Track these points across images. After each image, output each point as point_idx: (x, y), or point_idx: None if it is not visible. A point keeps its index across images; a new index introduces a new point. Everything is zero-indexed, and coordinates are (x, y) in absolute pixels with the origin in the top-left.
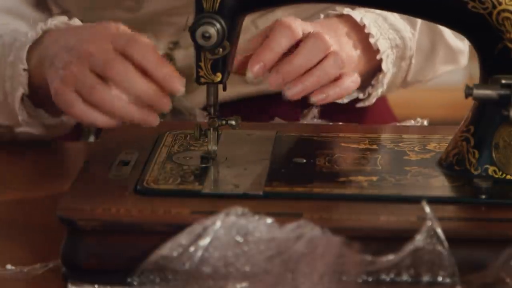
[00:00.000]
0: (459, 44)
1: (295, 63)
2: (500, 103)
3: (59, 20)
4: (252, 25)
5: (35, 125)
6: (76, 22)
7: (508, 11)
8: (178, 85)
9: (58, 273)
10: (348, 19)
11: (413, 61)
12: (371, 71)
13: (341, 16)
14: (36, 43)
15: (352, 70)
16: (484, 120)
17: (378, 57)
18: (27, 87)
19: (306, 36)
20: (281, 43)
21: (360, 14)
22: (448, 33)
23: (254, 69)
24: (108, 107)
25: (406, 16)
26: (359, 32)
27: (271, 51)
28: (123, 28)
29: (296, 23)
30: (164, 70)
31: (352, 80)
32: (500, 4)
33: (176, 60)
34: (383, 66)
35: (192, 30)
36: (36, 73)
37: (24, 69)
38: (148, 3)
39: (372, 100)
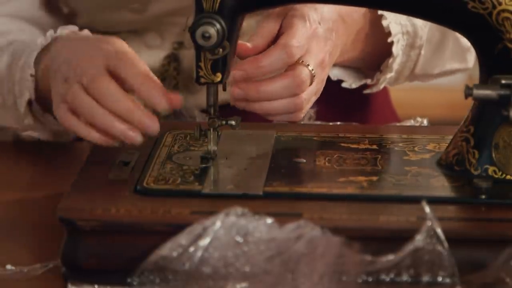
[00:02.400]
0: (468, 41)
1: (256, 67)
2: (500, 103)
3: (68, 29)
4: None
5: (41, 130)
6: (85, 32)
7: (508, 11)
8: (160, 100)
9: (58, 273)
10: None
11: (423, 51)
12: (380, 55)
13: None
14: (45, 49)
15: (360, 48)
16: (484, 120)
17: (389, 39)
18: (33, 92)
19: (277, 43)
20: (273, 65)
21: None
22: None
23: (236, 75)
24: (95, 121)
25: None
26: (372, 12)
27: (259, 69)
28: (119, 44)
29: (301, 44)
30: (148, 86)
31: (308, 94)
32: (500, 4)
33: (181, 61)
34: (394, 49)
35: (192, 30)
36: (43, 80)
37: (31, 75)
38: (153, 5)
39: (380, 86)
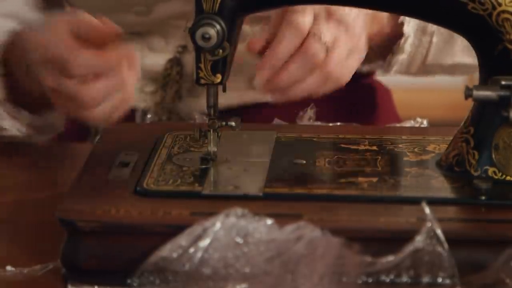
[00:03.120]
0: None
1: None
2: (500, 104)
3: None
4: None
5: (19, 127)
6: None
7: (507, 12)
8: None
9: (58, 274)
10: None
11: (434, 39)
12: (392, 37)
13: None
14: (9, 45)
15: (378, 27)
16: (484, 121)
17: (400, 20)
18: (3, 91)
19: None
20: (289, 46)
21: None
22: None
23: (263, 75)
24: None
25: None
26: None
27: (278, 58)
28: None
29: (303, 18)
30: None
31: (335, 60)
32: (500, 5)
33: (184, 65)
34: (405, 28)
35: (192, 31)
36: (15, 74)
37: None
38: (158, 7)
39: (391, 69)
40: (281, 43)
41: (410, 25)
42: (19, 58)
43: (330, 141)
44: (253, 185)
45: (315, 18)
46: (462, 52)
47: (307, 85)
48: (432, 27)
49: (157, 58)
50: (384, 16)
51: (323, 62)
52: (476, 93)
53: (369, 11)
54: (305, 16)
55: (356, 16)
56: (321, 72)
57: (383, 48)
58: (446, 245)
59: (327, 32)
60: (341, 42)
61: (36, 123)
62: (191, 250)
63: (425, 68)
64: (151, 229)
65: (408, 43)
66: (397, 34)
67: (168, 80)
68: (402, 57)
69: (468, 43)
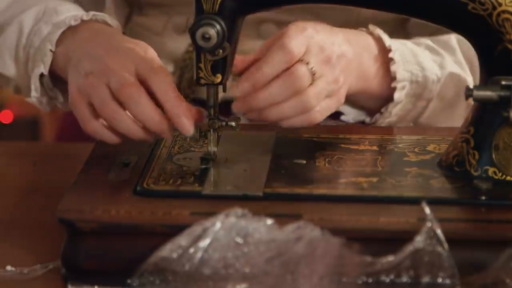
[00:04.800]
0: None
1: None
2: (500, 104)
3: (100, 16)
4: None
5: (44, 105)
6: (114, 23)
7: (508, 12)
8: (188, 127)
9: (58, 274)
10: (378, 40)
11: (431, 105)
12: (385, 97)
13: (371, 34)
14: (71, 30)
15: (363, 85)
16: (484, 121)
17: (393, 84)
18: (48, 67)
19: (273, 46)
20: (275, 67)
21: (390, 40)
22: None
23: (243, 87)
24: (115, 125)
25: (437, 61)
26: (385, 55)
27: (262, 75)
28: (151, 53)
29: (296, 45)
30: (179, 109)
31: (315, 93)
32: (500, 5)
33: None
34: (395, 95)
35: (192, 31)
36: (58, 62)
37: (51, 50)
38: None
39: (376, 125)
40: (269, 62)
41: (403, 91)
42: (71, 54)
43: (330, 141)
44: (253, 185)
45: (308, 50)
46: (462, 116)
47: (282, 110)
48: (430, 93)
49: (180, 41)
50: (371, 76)
51: (304, 90)
52: (476, 93)
53: (360, 64)
54: (298, 44)
55: (345, 65)
56: (299, 100)
57: (374, 108)
58: (446, 245)
59: (316, 65)
60: (325, 80)
61: (60, 105)
62: (191, 250)
63: (415, 124)
64: (151, 229)
65: (397, 108)
66: (388, 97)
67: (188, 63)
68: (389, 120)
69: (469, 107)
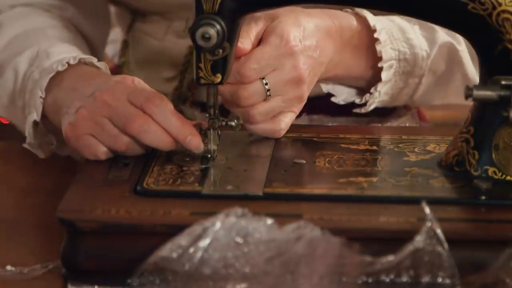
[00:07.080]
0: (477, 77)
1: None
2: (500, 104)
3: (88, 59)
4: None
5: (40, 149)
6: (101, 65)
7: (508, 12)
8: (198, 144)
9: (58, 274)
10: (363, 21)
11: (423, 81)
12: (374, 77)
13: (356, 14)
14: (58, 76)
15: (343, 73)
16: (484, 121)
17: (379, 64)
18: (40, 113)
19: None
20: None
21: (376, 19)
22: (468, 65)
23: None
24: (126, 150)
25: (427, 37)
26: (370, 35)
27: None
28: (139, 83)
29: (259, 61)
30: (185, 132)
31: (258, 112)
32: (500, 5)
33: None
34: (383, 75)
35: (192, 31)
36: (49, 111)
37: (41, 97)
38: None
39: (369, 108)
40: (225, 85)
41: (390, 71)
42: (60, 103)
43: (330, 141)
44: (253, 184)
45: (276, 69)
46: (456, 94)
47: (239, 112)
48: (421, 70)
49: (180, 44)
50: (353, 61)
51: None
52: (476, 93)
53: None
54: (259, 64)
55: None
56: (245, 111)
57: (366, 88)
58: (446, 245)
59: (276, 85)
60: (281, 99)
61: (59, 151)
62: (191, 250)
63: (411, 102)
64: (151, 229)
65: (387, 87)
66: (377, 76)
67: (187, 66)
68: (380, 99)
69: (465, 82)
